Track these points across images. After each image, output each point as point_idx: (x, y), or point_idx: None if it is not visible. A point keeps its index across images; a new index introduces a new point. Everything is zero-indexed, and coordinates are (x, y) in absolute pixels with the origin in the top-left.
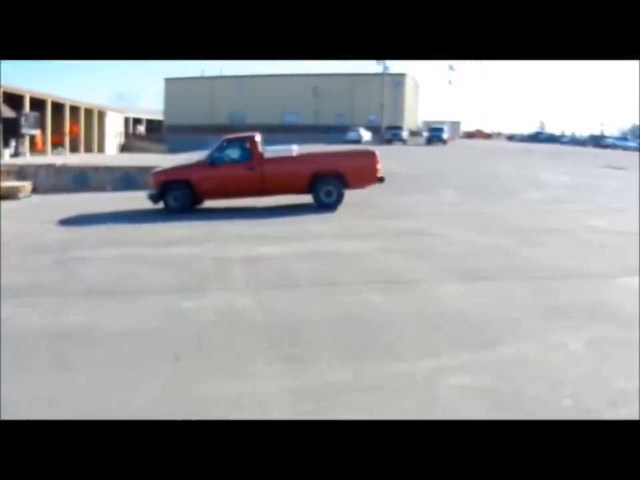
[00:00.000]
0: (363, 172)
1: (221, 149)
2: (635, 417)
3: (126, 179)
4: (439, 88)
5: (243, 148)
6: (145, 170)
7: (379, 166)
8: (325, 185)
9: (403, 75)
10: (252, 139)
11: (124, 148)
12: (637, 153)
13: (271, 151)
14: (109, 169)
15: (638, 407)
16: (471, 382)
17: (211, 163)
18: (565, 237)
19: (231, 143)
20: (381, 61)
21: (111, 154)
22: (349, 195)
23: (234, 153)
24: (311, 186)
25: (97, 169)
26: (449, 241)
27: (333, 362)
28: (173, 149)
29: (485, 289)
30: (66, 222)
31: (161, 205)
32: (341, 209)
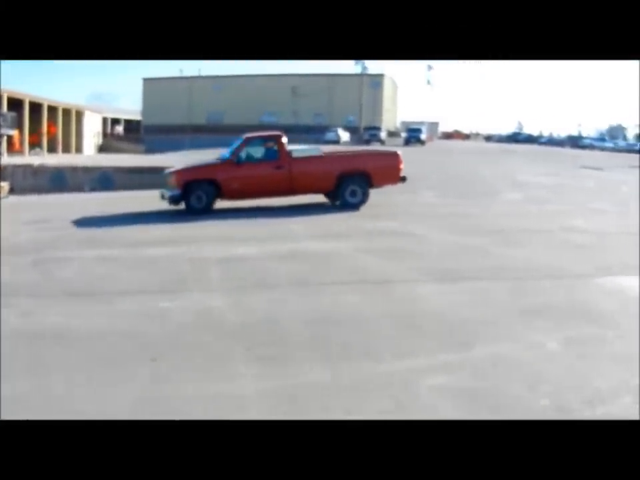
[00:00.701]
0: (387, 172)
1: (246, 147)
2: (611, 416)
3: (104, 180)
4: (417, 88)
5: (269, 147)
6: (122, 170)
7: (402, 166)
8: (351, 185)
9: (381, 76)
10: (279, 138)
11: (102, 148)
12: (614, 154)
13: (299, 151)
14: (87, 170)
15: (615, 406)
16: (448, 382)
17: (237, 161)
18: (543, 237)
19: (255, 141)
20: (360, 61)
21: (89, 154)
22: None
23: (260, 152)
24: (337, 186)
25: (74, 170)
26: (426, 242)
27: (310, 362)
28: (151, 150)
29: (462, 289)
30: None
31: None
32: (317, 209)
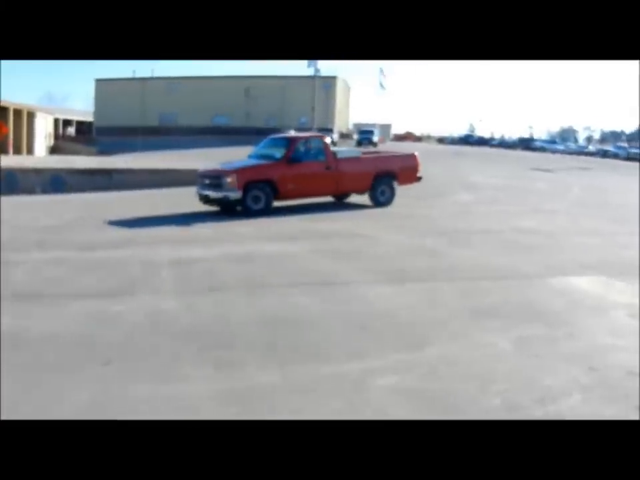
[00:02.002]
0: (409, 172)
1: (295, 148)
2: (561, 415)
3: (55, 182)
4: (370, 91)
5: (315, 148)
6: (74, 172)
7: (420, 167)
8: (381, 185)
9: (333, 78)
10: (323, 139)
11: (53, 150)
12: (565, 156)
13: (342, 152)
14: (38, 171)
15: (565, 404)
16: (399, 382)
17: (290, 162)
18: (494, 237)
19: (303, 142)
20: (312, 63)
21: (40, 156)
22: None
23: (309, 153)
24: (372, 185)
25: (25, 171)
26: (378, 243)
27: (261, 364)
28: (104, 151)
29: (413, 290)
30: None
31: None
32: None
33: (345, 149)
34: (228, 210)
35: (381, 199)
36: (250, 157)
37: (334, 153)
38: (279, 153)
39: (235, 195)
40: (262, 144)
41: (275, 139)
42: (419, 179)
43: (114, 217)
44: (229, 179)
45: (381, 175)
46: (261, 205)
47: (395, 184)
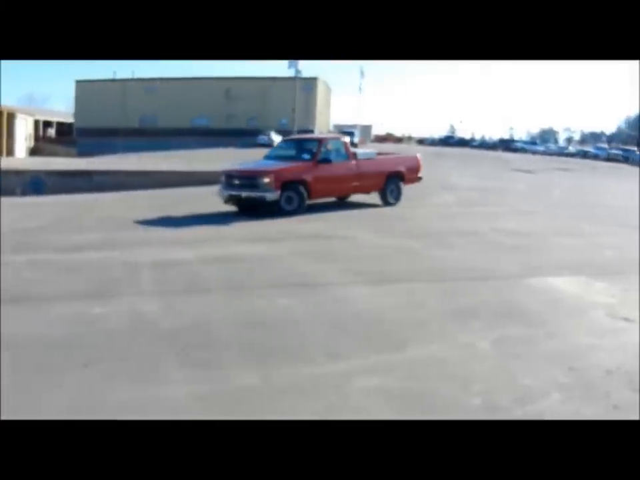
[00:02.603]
0: (413, 172)
1: (323, 148)
2: (541, 414)
3: (35, 184)
4: (351, 91)
5: (338, 148)
6: (54, 174)
7: (421, 168)
8: (390, 185)
9: (314, 79)
10: (344, 139)
11: (34, 151)
12: (546, 157)
13: (362, 154)
14: (18, 173)
15: (545, 404)
16: (380, 383)
17: (318, 161)
18: (475, 238)
19: (327, 142)
20: (293, 65)
21: (21, 157)
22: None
23: (334, 153)
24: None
25: (6, 173)
26: (358, 244)
27: (241, 366)
28: (84, 153)
29: (394, 291)
30: None
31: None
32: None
33: (361, 150)
34: (256, 210)
35: (390, 198)
36: (268, 157)
37: (354, 154)
38: (305, 154)
39: (273, 195)
40: (278, 145)
41: (294, 140)
42: (420, 179)
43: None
44: (266, 180)
45: (391, 175)
46: (294, 206)
47: (401, 184)
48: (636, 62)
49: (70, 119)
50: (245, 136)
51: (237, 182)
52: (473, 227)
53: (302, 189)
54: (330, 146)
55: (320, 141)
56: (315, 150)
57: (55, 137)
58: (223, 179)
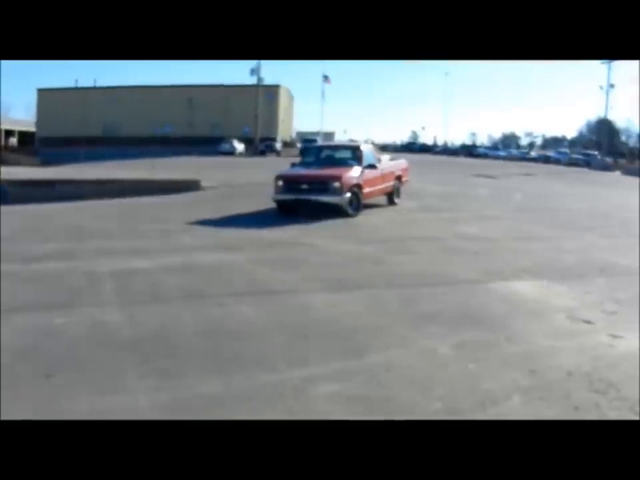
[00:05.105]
0: (405, 175)
1: (364, 155)
2: (503, 417)
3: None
4: (314, 98)
5: (371, 155)
6: (17, 183)
7: (408, 171)
8: (395, 186)
9: (276, 87)
10: (372, 146)
11: None
12: (508, 162)
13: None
14: None
15: (505, 406)
16: (341, 389)
17: (365, 167)
18: (436, 244)
19: (366, 149)
20: (255, 73)
21: None
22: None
23: (372, 158)
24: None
25: None
26: (319, 251)
27: (203, 374)
28: (47, 162)
29: (354, 298)
30: None
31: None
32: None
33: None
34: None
35: (395, 198)
36: (301, 164)
37: (378, 159)
38: (349, 160)
39: (343, 199)
40: (309, 152)
41: (330, 147)
42: (407, 181)
43: None
44: (336, 184)
45: (397, 177)
46: (354, 208)
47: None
48: (595, 66)
49: (32, 128)
50: (208, 144)
51: (304, 186)
52: (435, 232)
53: (360, 192)
54: (366, 152)
55: (358, 148)
56: (357, 156)
57: (17, 146)
58: (280, 183)
